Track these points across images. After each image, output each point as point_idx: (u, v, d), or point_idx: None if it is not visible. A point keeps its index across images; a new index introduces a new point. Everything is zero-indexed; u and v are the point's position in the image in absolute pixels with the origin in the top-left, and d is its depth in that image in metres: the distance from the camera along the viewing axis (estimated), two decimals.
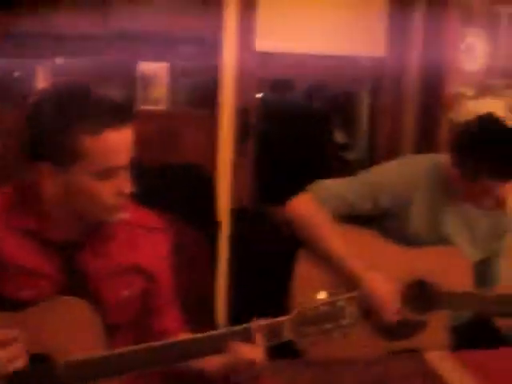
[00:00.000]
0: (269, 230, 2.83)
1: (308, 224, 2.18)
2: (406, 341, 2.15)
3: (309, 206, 2.19)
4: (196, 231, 2.58)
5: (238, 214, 3.10)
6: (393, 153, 3.53)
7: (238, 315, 1.93)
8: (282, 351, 1.75)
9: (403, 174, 2.23)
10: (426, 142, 3.40)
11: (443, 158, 2.23)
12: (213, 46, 3.09)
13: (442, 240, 2.24)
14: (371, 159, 3.66)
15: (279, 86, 4.58)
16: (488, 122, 2.13)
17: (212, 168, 3.12)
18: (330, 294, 1.65)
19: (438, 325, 2.17)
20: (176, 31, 3.00)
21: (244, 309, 2.25)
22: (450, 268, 2.18)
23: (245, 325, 1.57)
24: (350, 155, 4.96)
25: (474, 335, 2.31)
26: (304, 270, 2.18)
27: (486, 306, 2.17)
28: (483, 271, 2.36)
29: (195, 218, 2.56)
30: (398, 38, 3.49)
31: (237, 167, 3.26)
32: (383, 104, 3.61)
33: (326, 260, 2.15)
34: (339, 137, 5.08)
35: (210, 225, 2.80)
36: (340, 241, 2.16)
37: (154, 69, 3.12)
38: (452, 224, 2.25)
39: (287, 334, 1.59)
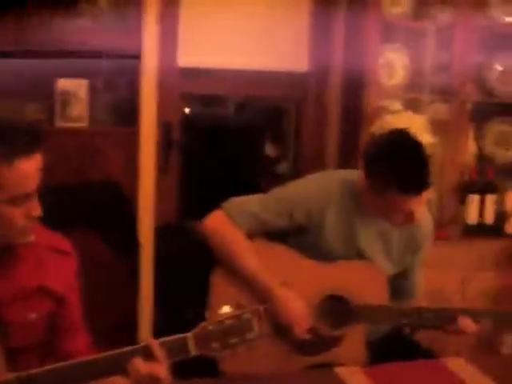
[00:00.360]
0: (192, 245, 2.82)
1: (220, 241, 2.18)
2: (323, 355, 2.15)
3: (221, 224, 2.19)
4: (115, 250, 2.56)
5: (161, 231, 3.08)
6: (318, 166, 3.56)
7: (163, 333, 1.91)
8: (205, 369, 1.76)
9: (316, 189, 2.24)
10: (348, 156, 3.44)
11: (358, 173, 2.25)
12: (133, 62, 3.06)
13: (356, 254, 2.26)
14: (298, 172, 3.68)
15: (209, 101, 4.56)
16: (398, 136, 2.16)
17: (134, 185, 3.09)
18: (238, 307, 1.64)
19: (353, 339, 2.18)
20: (96, 47, 2.96)
21: (169, 326, 2.24)
22: (364, 282, 2.20)
23: (143, 343, 1.55)
24: (281, 168, 4.96)
25: (391, 349, 2.33)
26: (220, 286, 2.17)
27: (402, 318, 2.18)
28: (399, 285, 2.38)
29: (114, 237, 2.54)
30: (319, 52, 3.53)
31: (160, 183, 3.23)
32: (308, 118, 3.65)
33: (240, 277, 2.14)
34: (270, 151, 5.08)
35: (130, 243, 2.77)
36: (253, 257, 2.16)
37: (73, 85, 3.08)
38: (366, 238, 2.27)
39: (192, 350, 1.57)
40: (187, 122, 3.71)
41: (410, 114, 3.20)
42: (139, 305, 3.06)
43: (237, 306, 1.64)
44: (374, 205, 2.18)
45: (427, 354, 2.34)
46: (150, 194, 3.14)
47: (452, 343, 3.14)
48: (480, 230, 3.56)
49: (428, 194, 2.09)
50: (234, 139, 4.45)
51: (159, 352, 1.53)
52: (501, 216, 3.58)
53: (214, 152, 4.28)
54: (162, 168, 3.27)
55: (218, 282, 2.18)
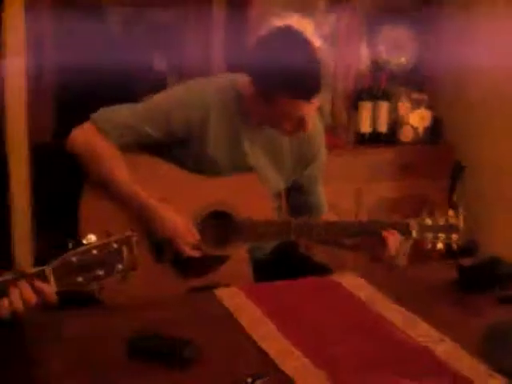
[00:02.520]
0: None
1: (90, 156, 1.97)
2: (206, 277, 2.02)
3: (90, 137, 1.97)
4: None
5: (36, 150, 2.83)
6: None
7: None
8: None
9: (194, 94, 2.04)
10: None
11: (241, 77, 2.07)
12: None
13: (243, 167, 2.09)
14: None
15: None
16: (286, 33, 1.96)
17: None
18: (107, 235, 1.46)
19: (238, 258, 2.05)
20: None
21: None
22: (250, 196, 2.05)
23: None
24: (170, 81, 4.75)
25: (283, 266, 2.22)
26: (90, 204, 1.98)
27: (289, 234, 2.05)
28: (303, 202, 2.26)
29: None
30: None
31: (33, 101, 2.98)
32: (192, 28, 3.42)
33: (113, 194, 1.96)
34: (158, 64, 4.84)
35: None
36: (126, 172, 1.96)
37: None
38: (253, 149, 2.10)
39: (53, 285, 1.40)
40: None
41: (297, 17, 3.02)
42: (15, 232, 2.86)
43: (106, 234, 1.46)
44: (261, 112, 2.01)
45: (323, 270, 2.24)
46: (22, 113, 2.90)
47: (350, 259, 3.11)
48: (373, 139, 3.48)
49: (320, 100, 1.94)
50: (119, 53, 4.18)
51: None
52: (394, 124, 3.50)
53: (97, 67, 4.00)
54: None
55: (88, 206, 1.98)
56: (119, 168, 1.97)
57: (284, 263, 2.26)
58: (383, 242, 2.01)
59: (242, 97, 2.03)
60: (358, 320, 1.61)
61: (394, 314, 1.64)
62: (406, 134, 3.49)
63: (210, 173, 2.05)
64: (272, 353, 1.41)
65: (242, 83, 2.03)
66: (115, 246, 1.45)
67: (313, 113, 2.00)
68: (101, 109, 2.02)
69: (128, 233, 1.48)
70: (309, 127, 2.00)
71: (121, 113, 2.01)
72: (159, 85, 4.52)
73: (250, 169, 2.09)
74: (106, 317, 1.61)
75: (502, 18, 3.26)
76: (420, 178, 3.52)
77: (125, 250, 1.46)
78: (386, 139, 3.50)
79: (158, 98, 2.07)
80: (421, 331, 1.56)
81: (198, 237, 1.99)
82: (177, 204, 1.98)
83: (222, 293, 1.72)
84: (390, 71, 3.51)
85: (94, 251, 1.43)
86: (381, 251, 2.02)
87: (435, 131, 3.56)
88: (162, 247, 1.99)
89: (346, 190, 3.35)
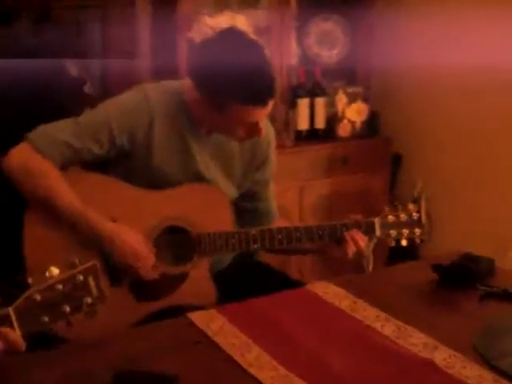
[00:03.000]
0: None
1: (29, 179, 1.79)
2: (167, 298, 1.88)
3: (28, 158, 1.80)
4: None
5: None
6: (130, 83, 3.19)
7: None
8: None
9: (135, 101, 1.89)
10: (165, 67, 3.09)
11: (185, 83, 1.93)
12: None
13: (193, 177, 1.96)
14: (108, 92, 3.30)
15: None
16: (231, 35, 1.84)
17: None
18: (70, 265, 1.30)
19: (198, 274, 1.91)
20: None
21: None
22: (205, 208, 1.92)
23: None
24: (88, 88, 4.55)
25: (242, 277, 2.10)
26: (35, 232, 1.81)
27: (250, 244, 1.93)
28: (255, 209, 2.13)
29: None
30: None
31: None
32: (114, 31, 3.24)
33: (58, 217, 1.79)
34: (73, 70, 4.63)
35: None
36: (70, 193, 1.80)
37: None
38: (202, 158, 1.96)
39: (16, 327, 1.23)
40: None
41: (230, 13, 2.88)
42: None
43: (69, 264, 1.30)
44: (210, 119, 1.88)
45: (281, 276, 2.15)
46: None
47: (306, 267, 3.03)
48: (312, 136, 3.40)
49: (272, 103, 1.83)
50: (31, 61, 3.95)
51: None
52: (331, 120, 3.43)
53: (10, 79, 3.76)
54: None
55: (34, 235, 1.80)
56: (62, 189, 1.80)
57: (244, 274, 2.14)
58: (347, 244, 1.92)
59: (188, 103, 1.90)
60: (348, 333, 1.51)
61: (381, 322, 1.55)
62: (344, 129, 3.42)
63: (160, 186, 1.91)
64: (267, 380, 1.29)
65: (187, 89, 1.90)
66: (81, 277, 1.30)
67: (266, 116, 1.89)
68: (38, 127, 1.85)
69: (92, 262, 1.33)
70: (264, 132, 1.89)
71: (59, 129, 1.84)
72: (79, 93, 4.34)
73: (200, 179, 1.96)
74: (80, 356, 1.44)
75: (432, 11, 3.24)
76: (360, 173, 3.47)
77: (91, 281, 1.32)
78: (325, 135, 3.42)
79: (98, 109, 1.91)
80: (413, 339, 1.47)
81: (153, 252, 1.84)
82: (127, 223, 1.84)
83: (195, 316, 1.57)
84: (323, 65, 3.43)
85: (59, 286, 1.27)
86: (345, 254, 1.93)
87: (372, 125, 3.51)
88: (116, 270, 1.84)
89: (288, 189, 3.25)
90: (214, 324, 1.52)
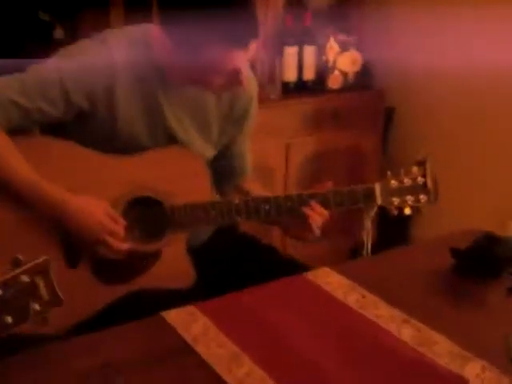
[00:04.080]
0: None
1: None
2: (137, 280, 1.60)
3: None
4: None
5: None
6: (101, 26, 2.86)
7: None
8: None
9: (93, 56, 1.57)
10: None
11: (152, 28, 1.61)
12: None
13: (164, 138, 1.66)
14: (77, 36, 2.95)
15: None
16: None
17: None
18: (13, 263, 1.02)
19: (174, 252, 1.63)
20: None
21: None
22: (179, 175, 1.63)
23: None
24: (58, 33, 4.22)
25: (224, 252, 1.83)
26: None
27: (231, 216, 1.65)
28: (226, 167, 1.85)
29: None
30: None
31: None
32: None
33: (8, 192, 1.49)
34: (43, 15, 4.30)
35: None
36: (20, 161, 1.50)
37: None
38: (174, 115, 1.66)
39: None
40: None
41: None
42: None
43: (13, 262, 1.02)
44: (181, 70, 1.57)
45: (270, 250, 1.88)
46: None
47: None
48: (299, 88, 3.09)
49: (255, 46, 1.53)
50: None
51: None
52: (322, 70, 3.12)
53: None
54: None
55: None
56: (10, 157, 1.49)
57: (226, 249, 1.87)
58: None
59: (156, 52, 1.59)
60: (359, 339, 1.23)
61: (397, 323, 1.28)
62: (335, 81, 3.12)
63: (127, 151, 1.61)
64: None
65: (155, 35, 1.59)
66: (26, 279, 1.01)
67: (247, 62, 1.59)
68: None
69: (41, 258, 1.04)
70: (245, 81, 1.59)
71: (4, 88, 1.51)
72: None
73: (172, 139, 1.67)
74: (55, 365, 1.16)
75: None
76: (351, 128, 3.18)
77: (40, 282, 1.03)
78: (314, 87, 3.11)
79: (50, 64, 1.57)
80: (437, 347, 1.21)
81: (123, 223, 1.56)
82: (89, 194, 1.55)
83: (172, 316, 1.29)
84: (312, 9, 3.10)
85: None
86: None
87: (365, 76, 3.21)
88: (74, 248, 1.56)
89: (273, 146, 2.97)
90: (195, 327, 1.24)
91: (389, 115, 3.29)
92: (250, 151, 1.91)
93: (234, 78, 1.56)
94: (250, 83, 1.77)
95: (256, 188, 1.88)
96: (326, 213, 1.66)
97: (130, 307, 1.56)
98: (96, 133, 1.58)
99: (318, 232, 1.67)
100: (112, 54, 1.56)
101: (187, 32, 1.47)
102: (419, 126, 3.22)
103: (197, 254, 1.71)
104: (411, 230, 3.24)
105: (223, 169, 1.84)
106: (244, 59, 1.54)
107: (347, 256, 3.17)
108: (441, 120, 3.11)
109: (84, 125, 1.58)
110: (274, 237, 2.80)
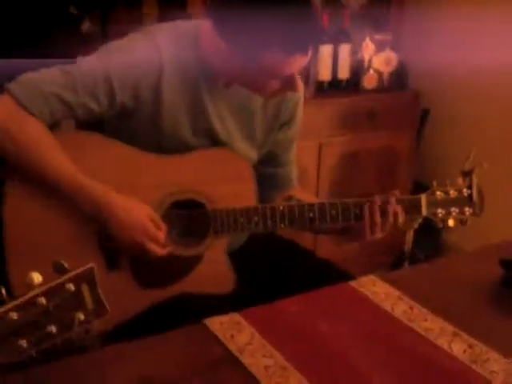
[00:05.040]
0: None
1: (12, 140, 1.44)
2: (177, 285, 1.57)
3: (8, 114, 1.44)
4: None
5: None
6: (135, 21, 2.84)
7: None
8: None
9: (140, 52, 1.53)
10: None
11: (203, 25, 1.57)
12: None
13: (206, 139, 1.62)
14: (107, 31, 2.94)
15: None
16: None
17: None
18: (57, 270, 0.98)
19: (214, 258, 1.60)
20: None
21: None
22: (224, 178, 1.60)
23: None
24: (86, 27, 4.22)
25: (261, 254, 1.79)
26: (17, 213, 1.48)
27: (276, 222, 1.60)
28: (270, 173, 1.81)
29: None
30: None
31: None
32: None
33: (49, 190, 1.46)
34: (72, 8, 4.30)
35: None
36: (65, 160, 1.47)
37: None
38: (219, 117, 1.63)
39: None
40: None
41: None
42: None
43: (56, 267, 0.98)
44: (232, 72, 1.53)
45: (308, 254, 1.85)
46: None
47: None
48: (334, 88, 3.04)
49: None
50: None
51: None
52: (357, 70, 3.07)
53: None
54: None
55: (13, 208, 1.47)
56: (54, 153, 1.46)
57: (263, 252, 1.83)
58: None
59: (205, 49, 1.54)
60: (409, 355, 1.19)
61: (448, 337, 1.24)
62: (370, 81, 3.07)
63: (169, 149, 1.58)
64: None
65: (205, 32, 1.54)
66: (71, 287, 0.98)
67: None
68: (20, 76, 1.49)
69: (88, 265, 1.00)
70: (300, 86, 1.55)
71: (48, 80, 1.47)
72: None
73: (216, 142, 1.63)
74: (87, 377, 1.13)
75: None
76: (385, 130, 3.13)
77: (85, 290, 1.00)
78: (348, 87, 3.06)
79: (95, 58, 1.53)
80: (491, 364, 1.17)
81: (165, 228, 1.53)
82: (131, 195, 1.51)
83: (214, 323, 1.25)
84: (349, 8, 3.05)
85: (41, 300, 0.95)
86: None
87: (400, 76, 3.15)
88: (115, 251, 1.53)
89: (305, 145, 2.91)
90: (240, 336, 1.20)
91: (423, 116, 3.23)
92: (295, 164, 1.87)
93: (290, 83, 1.52)
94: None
95: (303, 196, 1.81)
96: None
97: (169, 312, 1.53)
98: (138, 130, 1.55)
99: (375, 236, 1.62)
100: (160, 50, 1.52)
101: (243, 33, 1.42)
102: (454, 128, 3.16)
103: (234, 257, 1.68)
104: (443, 234, 3.19)
105: (267, 177, 1.79)
106: (303, 64, 1.49)
107: (378, 259, 3.12)
108: (476, 123, 3.05)
109: (126, 121, 1.54)
110: (306, 239, 2.76)
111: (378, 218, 1.59)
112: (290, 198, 1.70)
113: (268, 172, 1.80)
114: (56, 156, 1.46)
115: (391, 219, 1.60)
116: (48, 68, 1.50)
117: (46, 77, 1.48)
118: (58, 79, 1.48)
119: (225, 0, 1.46)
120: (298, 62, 1.45)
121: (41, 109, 1.45)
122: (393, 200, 1.61)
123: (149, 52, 1.53)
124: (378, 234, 1.62)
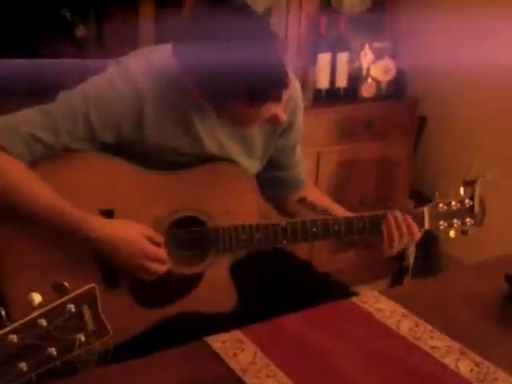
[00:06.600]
0: None
1: None
2: (177, 304, 1.54)
3: None
4: None
5: None
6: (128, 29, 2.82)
7: None
8: None
9: (117, 91, 1.47)
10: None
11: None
12: None
13: (205, 158, 1.59)
14: (101, 36, 2.92)
15: None
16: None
17: None
18: (57, 290, 0.95)
19: (215, 275, 1.57)
20: None
21: None
22: (225, 194, 1.58)
23: None
24: (80, 31, 4.21)
25: (260, 267, 1.77)
26: (10, 245, 1.47)
27: (278, 239, 1.58)
28: (281, 177, 1.79)
29: None
30: None
31: None
32: None
33: (39, 224, 1.44)
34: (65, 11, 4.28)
35: None
36: (51, 192, 1.43)
37: None
38: (211, 136, 1.59)
39: None
40: None
41: None
42: None
43: (56, 288, 0.95)
44: (216, 110, 1.52)
45: (307, 267, 1.83)
46: None
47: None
48: (332, 96, 3.02)
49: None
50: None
51: None
52: (355, 78, 3.05)
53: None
54: None
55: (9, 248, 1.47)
56: (39, 188, 1.44)
57: (262, 265, 1.80)
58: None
59: (182, 77, 1.49)
60: (413, 372, 1.17)
61: (454, 355, 1.21)
62: (368, 89, 3.05)
63: (171, 167, 1.55)
64: None
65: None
66: (72, 308, 0.95)
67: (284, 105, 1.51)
68: None
69: (89, 285, 0.98)
70: (283, 120, 1.51)
71: (25, 121, 1.45)
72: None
73: (214, 156, 1.60)
74: None
75: None
76: (382, 138, 3.11)
77: (86, 311, 0.97)
78: (346, 95, 3.04)
79: (76, 97, 1.48)
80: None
81: (163, 252, 1.50)
82: (128, 215, 1.49)
83: (216, 342, 1.22)
84: (346, 15, 3.03)
85: (42, 321, 0.92)
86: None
87: (398, 85, 3.13)
88: (112, 270, 1.50)
89: (303, 154, 2.87)
90: (243, 355, 1.18)
91: (421, 124, 3.22)
92: (302, 163, 1.85)
93: (271, 121, 1.50)
94: (296, 94, 1.71)
95: (316, 196, 1.79)
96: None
97: (169, 330, 1.50)
98: (130, 154, 1.52)
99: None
100: (136, 85, 1.47)
101: (209, 79, 1.40)
102: (452, 136, 3.15)
103: (233, 270, 1.65)
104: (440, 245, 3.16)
105: (275, 180, 1.79)
106: (278, 109, 1.47)
107: (376, 270, 3.09)
108: (474, 131, 3.04)
109: (111, 152, 1.52)
110: (302, 251, 2.73)
111: (395, 232, 1.58)
112: (302, 201, 1.68)
113: (275, 175, 1.79)
114: (39, 190, 1.43)
115: (405, 229, 1.58)
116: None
117: (23, 118, 1.46)
118: (35, 120, 1.45)
119: (189, 46, 1.41)
120: (272, 108, 1.43)
121: (19, 149, 1.42)
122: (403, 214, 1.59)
123: (126, 89, 1.48)
124: (396, 248, 1.60)
